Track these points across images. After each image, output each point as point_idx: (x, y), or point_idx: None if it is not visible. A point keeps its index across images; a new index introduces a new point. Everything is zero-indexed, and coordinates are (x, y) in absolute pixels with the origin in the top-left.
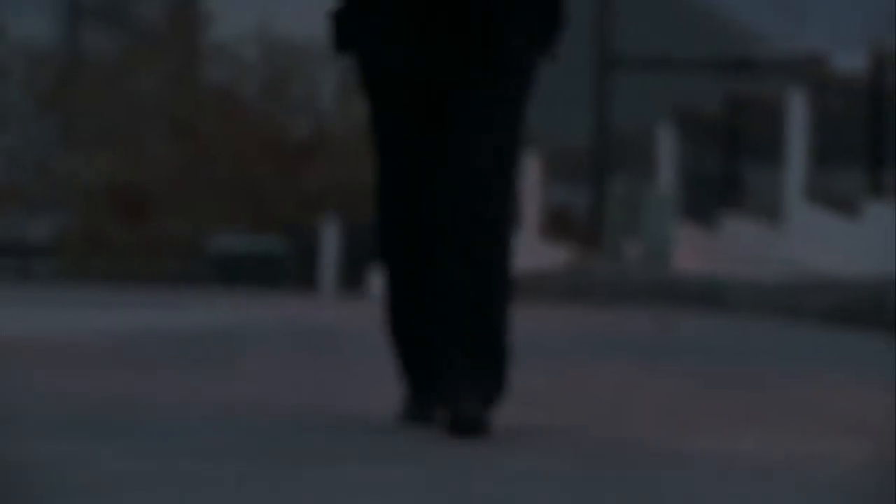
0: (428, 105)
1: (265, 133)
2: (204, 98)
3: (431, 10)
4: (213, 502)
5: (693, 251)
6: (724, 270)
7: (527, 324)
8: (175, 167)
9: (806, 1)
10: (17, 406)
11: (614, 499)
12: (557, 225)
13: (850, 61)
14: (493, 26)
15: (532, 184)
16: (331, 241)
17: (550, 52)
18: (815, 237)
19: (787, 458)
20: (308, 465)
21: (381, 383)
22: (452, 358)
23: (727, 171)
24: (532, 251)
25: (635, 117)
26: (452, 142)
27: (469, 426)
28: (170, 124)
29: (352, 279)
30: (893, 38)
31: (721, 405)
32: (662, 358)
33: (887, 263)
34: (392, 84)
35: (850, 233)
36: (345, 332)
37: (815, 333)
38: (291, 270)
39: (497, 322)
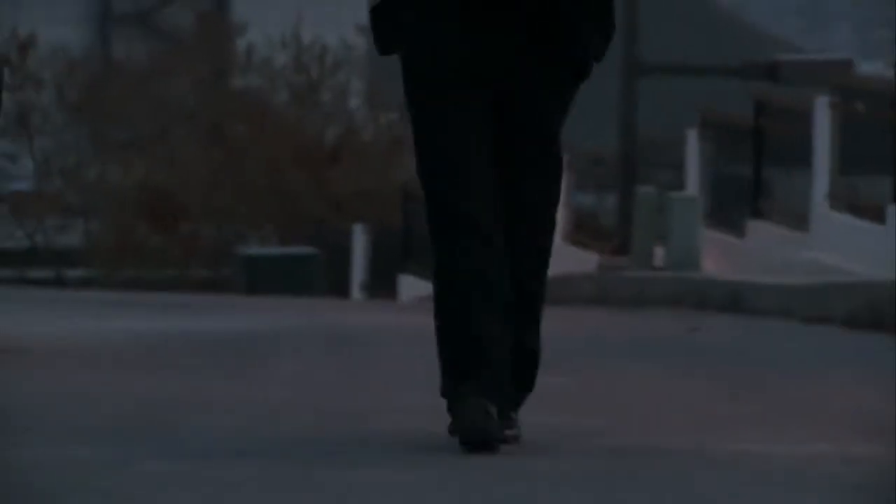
0: (480, 100)
1: (295, 138)
2: (234, 103)
3: (485, 7)
4: None
5: (719, 256)
6: (751, 275)
7: (553, 326)
8: (205, 172)
9: (832, 7)
10: (47, 409)
11: (638, 501)
12: (585, 230)
13: (876, 67)
14: (561, 32)
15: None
16: (361, 247)
17: (602, 59)
18: (842, 242)
19: (807, 459)
20: (327, 468)
21: (406, 385)
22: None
23: (754, 177)
24: (559, 256)
25: (665, 123)
26: (525, 150)
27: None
28: (201, 129)
29: (382, 283)
30: None
31: (746, 408)
32: (689, 361)
33: None
34: (444, 77)
35: (876, 237)
36: (374, 336)
37: (842, 337)
38: (322, 275)
39: (538, 326)
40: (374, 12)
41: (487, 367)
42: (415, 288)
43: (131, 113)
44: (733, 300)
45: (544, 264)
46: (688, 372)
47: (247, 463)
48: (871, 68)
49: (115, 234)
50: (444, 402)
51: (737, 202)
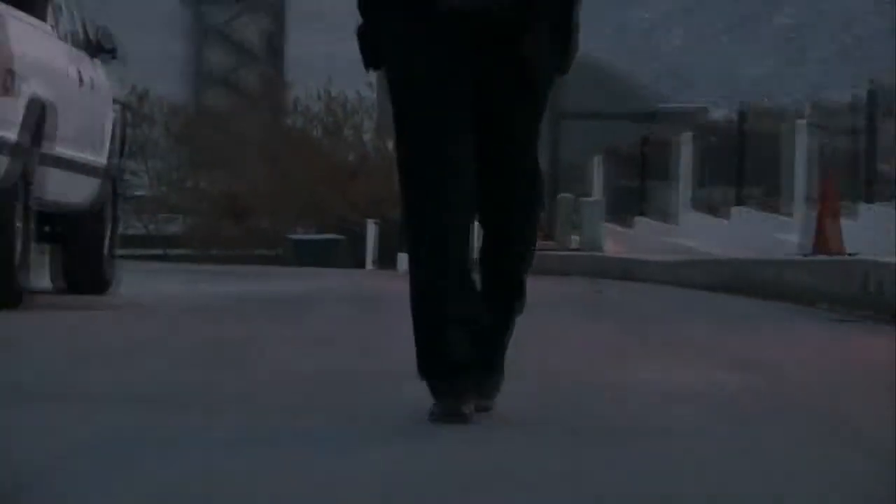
0: (456, 103)
1: (327, 162)
2: (286, 138)
3: (462, 30)
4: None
5: (615, 241)
6: (637, 254)
7: None
8: (266, 184)
9: (692, 71)
10: (154, 342)
11: (567, 421)
12: None
13: (724, 112)
14: (527, 49)
15: None
16: (372, 235)
17: (564, 74)
18: (699, 232)
19: (681, 383)
20: (353, 389)
21: (402, 324)
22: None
23: (639, 187)
24: None
25: (580, 151)
26: (499, 155)
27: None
28: (263, 154)
29: (386, 259)
30: (753, 98)
31: (636, 346)
32: (596, 313)
33: (748, 250)
34: (421, 88)
35: (722, 229)
36: (382, 295)
37: (699, 296)
38: (345, 253)
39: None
40: (359, 35)
41: (456, 357)
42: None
43: (216, 142)
44: (625, 271)
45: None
46: (596, 320)
47: (295, 386)
48: (720, 113)
49: (205, 225)
50: None
51: (628, 204)
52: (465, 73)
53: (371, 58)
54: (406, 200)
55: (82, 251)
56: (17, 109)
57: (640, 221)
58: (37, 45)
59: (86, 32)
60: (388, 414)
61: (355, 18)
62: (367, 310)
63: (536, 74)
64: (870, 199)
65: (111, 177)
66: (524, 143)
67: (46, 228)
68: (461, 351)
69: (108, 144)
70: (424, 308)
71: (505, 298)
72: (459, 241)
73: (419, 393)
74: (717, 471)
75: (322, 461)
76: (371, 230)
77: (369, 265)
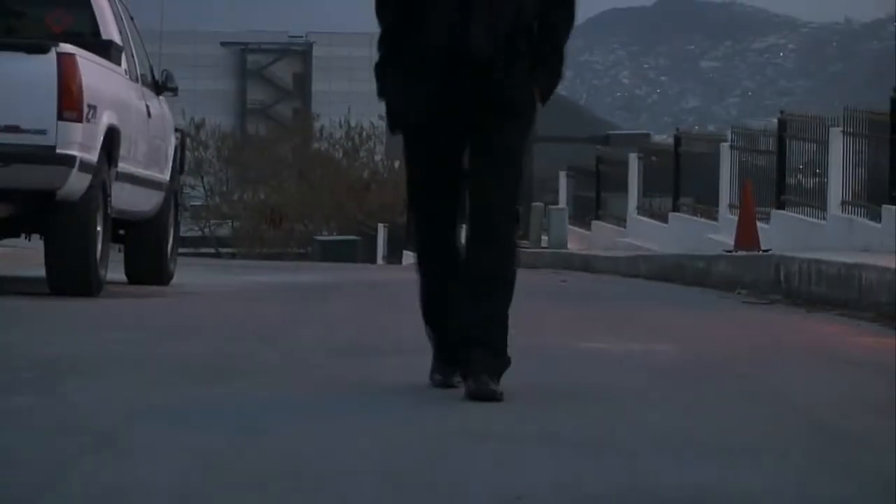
0: (445, 134)
1: (346, 178)
2: (313, 159)
3: (451, 66)
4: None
5: (577, 240)
6: (595, 251)
7: None
8: (298, 196)
9: (638, 104)
10: (206, 322)
11: (538, 376)
12: None
13: (662, 137)
14: (498, 75)
15: None
16: (382, 236)
17: (546, 102)
18: (644, 233)
19: (631, 352)
20: (362, 357)
21: (405, 310)
22: (475, 339)
23: (596, 197)
24: None
25: (548, 168)
26: (487, 173)
27: (487, 398)
28: (295, 172)
29: (394, 256)
30: (686, 126)
31: (595, 323)
32: (561, 298)
33: (683, 248)
34: (413, 124)
35: (662, 231)
36: (389, 283)
37: (643, 284)
38: (361, 251)
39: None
40: (375, 68)
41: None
42: (411, 258)
43: (257, 162)
44: (585, 265)
45: (513, 240)
46: (561, 304)
47: (318, 354)
48: (660, 138)
49: (249, 229)
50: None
51: (587, 211)
52: (452, 99)
53: (381, 88)
54: (412, 216)
55: (149, 250)
56: (96, 136)
57: (597, 225)
58: (113, 85)
59: (153, 75)
60: (395, 378)
61: (367, 64)
62: (377, 295)
63: (514, 99)
64: (780, 207)
65: (173, 190)
66: (507, 154)
67: (120, 231)
68: (454, 333)
69: (170, 164)
70: (428, 300)
71: (491, 292)
72: (452, 247)
73: (422, 362)
74: (660, 416)
75: (342, 415)
76: (381, 232)
77: (380, 260)
